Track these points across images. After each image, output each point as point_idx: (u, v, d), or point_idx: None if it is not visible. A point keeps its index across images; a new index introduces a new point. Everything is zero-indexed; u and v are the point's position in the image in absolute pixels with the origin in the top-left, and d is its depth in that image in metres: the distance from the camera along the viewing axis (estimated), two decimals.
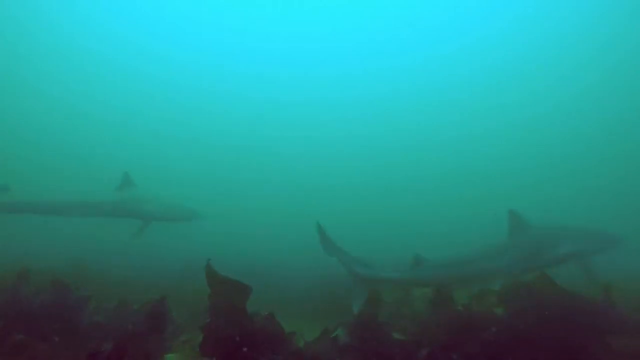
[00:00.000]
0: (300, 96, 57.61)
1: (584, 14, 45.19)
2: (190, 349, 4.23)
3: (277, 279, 10.22)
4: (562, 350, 3.36)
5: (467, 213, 30.40)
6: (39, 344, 3.46)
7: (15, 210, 10.00)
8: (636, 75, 43.89)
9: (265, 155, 49.46)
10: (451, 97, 54.38)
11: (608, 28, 44.17)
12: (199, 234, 15.56)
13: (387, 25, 56.60)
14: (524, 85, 52.30)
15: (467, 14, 53.57)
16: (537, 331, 3.57)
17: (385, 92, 56.74)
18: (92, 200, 10.16)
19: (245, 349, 3.51)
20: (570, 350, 3.34)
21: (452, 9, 53.77)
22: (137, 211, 10.25)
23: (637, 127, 40.88)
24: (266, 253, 15.43)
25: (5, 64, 47.42)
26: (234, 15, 57.83)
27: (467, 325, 3.96)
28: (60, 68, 52.29)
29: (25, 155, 39.43)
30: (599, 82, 47.40)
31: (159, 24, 56.63)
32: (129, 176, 10.32)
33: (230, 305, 3.67)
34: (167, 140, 52.24)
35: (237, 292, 3.73)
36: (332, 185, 41.53)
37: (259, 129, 54.38)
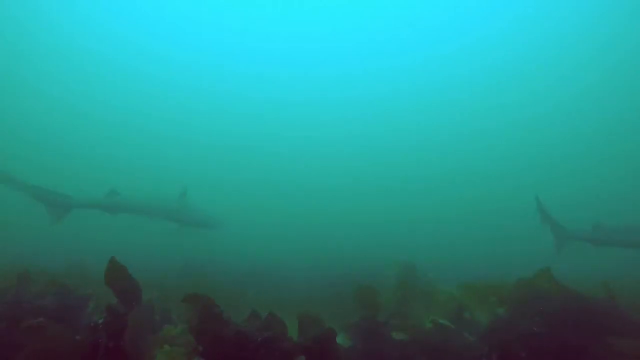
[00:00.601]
0: (300, 96, 57.61)
1: (584, 14, 45.21)
2: (188, 346, 4.22)
3: (277, 279, 10.20)
4: (564, 351, 3.34)
5: (467, 213, 30.43)
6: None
7: (113, 210, 11.23)
8: (636, 75, 43.89)
9: (265, 155, 49.47)
10: (451, 97, 54.39)
11: (608, 28, 44.18)
12: (198, 233, 15.53)
13: (387, 25, 56.63)
14: (524, 85, 52.32)
15: (467, 14, 53.60)
16: (539, 331, 3.56)
17: (385, 92, 56.74)
18: (170, 206, 11.77)
19: (241, 352, 3.50)
20: (572, 350, 3.33)
21: (452, 9, 53.80)
22: (187, 218, 11.72)
23: (637, 127, 40.88)
24: (266, 253, 15.41)
25: (5, 64, 47.43)
26: (234, 15, 57.86)
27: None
28: (60, 68, 52.32)
29: (25, 155, 39.42)
30: (599, 82, 47.40)
31: (159, 24, 56.67)
32: (186, 189, 11.93)
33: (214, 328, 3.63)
34: (167, 140, 52.23)
35: (215, 318, 3.69)
36: (332, 185, 41.53)
37: (259, 129, 54.38)
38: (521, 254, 14.12)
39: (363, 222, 27.82)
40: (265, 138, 52.60)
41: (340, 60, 58.35)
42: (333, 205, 34.88)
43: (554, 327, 3.56)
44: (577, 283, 4.39)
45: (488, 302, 4.24)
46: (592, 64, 47.98)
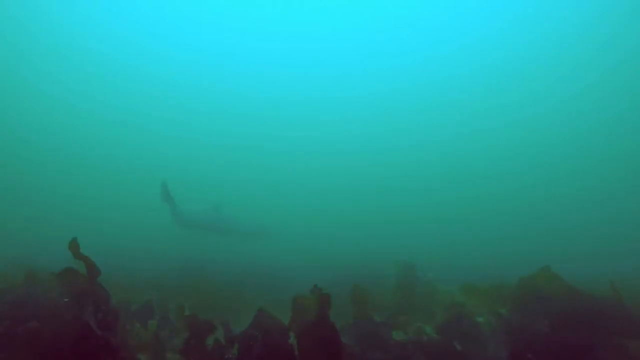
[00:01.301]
0: (300, 96, 57.61)
1: (584, 14, 45.19)
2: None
3: (277, 279, 10.19)
4: (570, 351, 3.33)
5: (466, 213, 30.44)
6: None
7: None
8: (636, 75, 43.87)
9: (265, 155, 49.50)
10: (451, 97, 54.39)
11: (608, 28, 44.16)
12: (198, 233, 15.53)
13: (387, 25, 56.59)
14: (524, 85, 52.30)
15: (467, 14, 53.56)
16: (543, 331, 3.54)
17: (385, 92, 56.74)
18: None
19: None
20: (578, 350, 3.31)
21: (452, 9, 53.76)
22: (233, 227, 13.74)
23: (637, 127, 40.86)
24: (266, 253, 15.41)
25: (5, 64, 47.41)
26: (234, 15, 57.81)
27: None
28: (60, 68, 52.29)
29: (25, 155, 39.40)
30: (599, 82, 47.38)
31: (159, 24, 56.62)
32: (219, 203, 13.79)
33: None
34: (167, 140, 52.25)
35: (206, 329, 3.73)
36: (332, 185, 41.54)
37: (259, 129, 54.40)
38: (521, 254, 14.12)
39: (363, 222, 27.83)
40: (266, 138, 52.64)
41: (340, 60, 58.35)
42: (333, 205, 34.88)
43: (559, 328, 3.54)
44: (581, 283, 4.37)
45: (490, 303, 4.23)
46: (592, 64, 47.96)
